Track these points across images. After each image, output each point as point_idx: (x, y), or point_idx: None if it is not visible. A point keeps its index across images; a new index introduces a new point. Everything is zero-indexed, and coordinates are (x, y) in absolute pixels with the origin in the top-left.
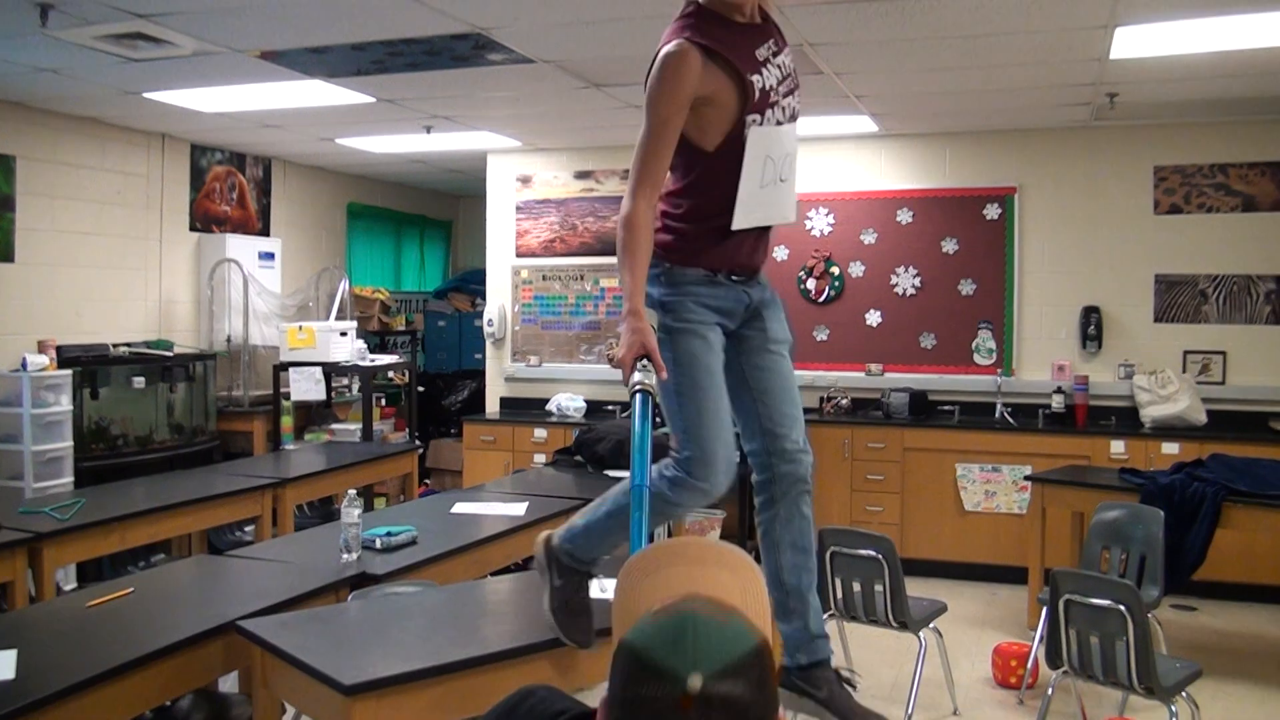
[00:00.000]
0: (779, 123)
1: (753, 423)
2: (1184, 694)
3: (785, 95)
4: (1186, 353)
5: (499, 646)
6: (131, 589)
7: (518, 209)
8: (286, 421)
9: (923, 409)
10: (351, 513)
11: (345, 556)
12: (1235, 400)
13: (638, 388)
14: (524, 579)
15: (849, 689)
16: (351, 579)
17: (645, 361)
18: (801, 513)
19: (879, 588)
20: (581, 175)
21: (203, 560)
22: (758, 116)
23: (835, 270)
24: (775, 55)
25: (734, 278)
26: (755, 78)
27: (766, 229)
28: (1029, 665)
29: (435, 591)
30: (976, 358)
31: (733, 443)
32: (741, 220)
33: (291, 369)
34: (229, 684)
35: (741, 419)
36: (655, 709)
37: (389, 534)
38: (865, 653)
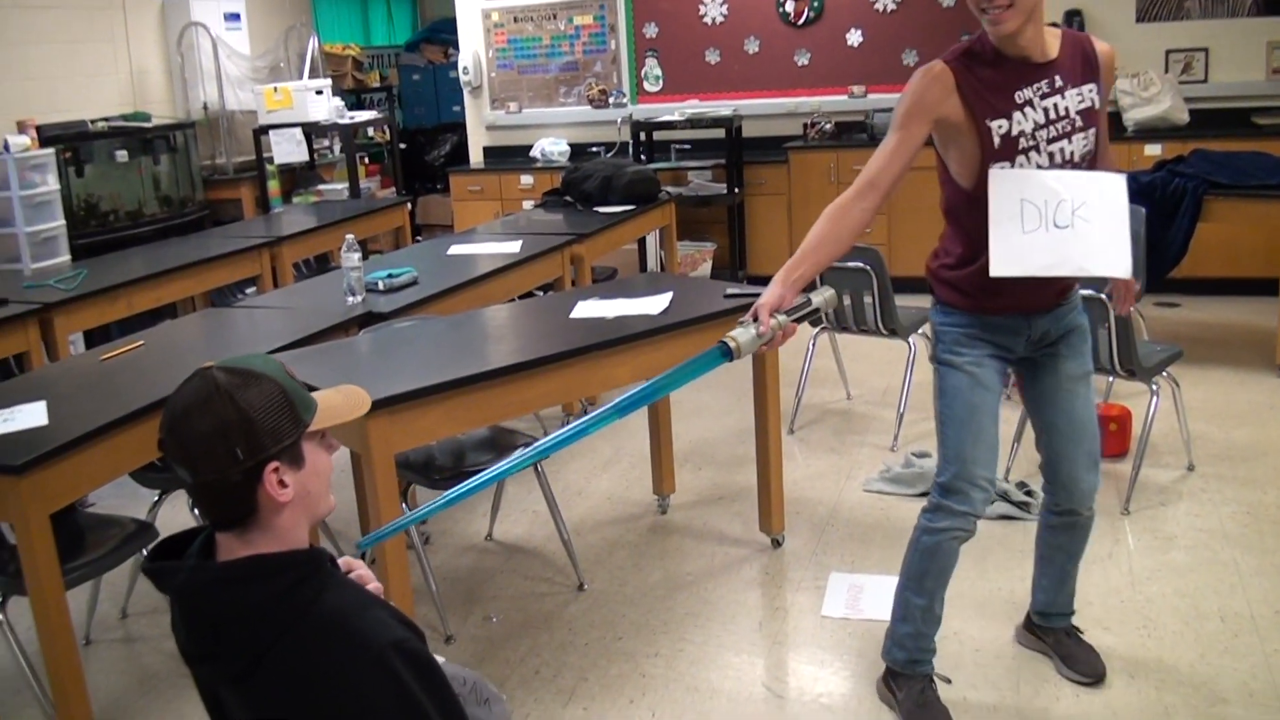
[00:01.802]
0: (1041, 167)
1: (1044, 448)
2: (1165, 373)
3: (1055, 140)
4: (1169, 52)
5: (502, 363)
6: (142, 342)
7: None
8: (273, 185)
9: None
10: (352, 257)
11: (350, 299)
12: (1218, 97)
13: (724, 339)
14: (524, 305)
15: (1075, 640)
16: (359, 318)
17: (752, 319)
18: (1075, 528)
19: (868, 298)
20: None
21: (210, 313)
22: (1005, 163)
23: None
24: (1047, 96)
25: (1007, 315)
26: (998, 122)
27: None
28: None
29: (441, 322)
30: None
31: (993, 463)
32: (1000, 268)
33: (272, 132)
34: None
35: (1036, 435)
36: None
37: (390, 275)
38: (858, 364)
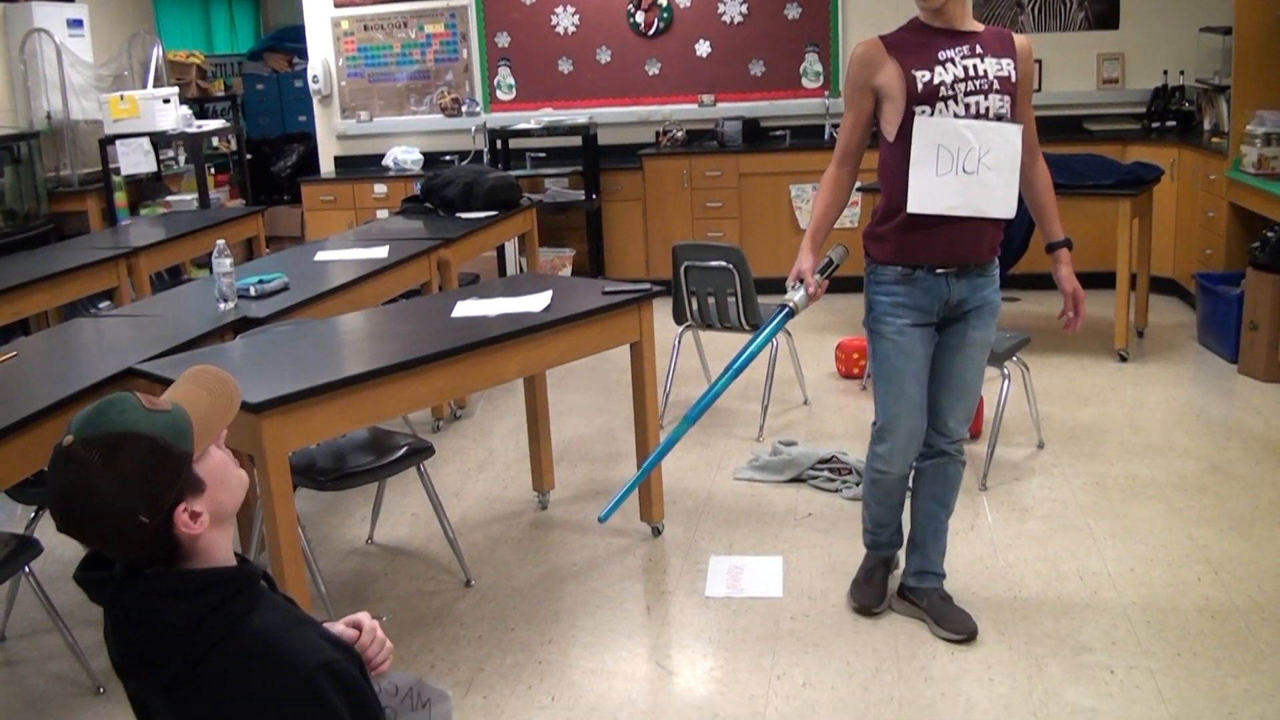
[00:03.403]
0: (958, 116)
1: (930, 398)
2: (1015, 358)
3: (972, 94)
4: None
5: (393, 359)
6: (15, 352)
7: None
8: (120, 197)
9: (755, 135)
10: (223, 263)
11: (222, 305)
12: (1052, 105)
13: (782, 303)
14: (402, 306)
15: (946, 602)
16: (233, 324)
17: (799, 283)
18: (946, 474)
19: (731, 296)
20: None
21: (79, 323)
22: (926, 108)
23: (663, 1)
24: (968, 58)
25: (938, 271)
26: (922, 72)
27: (970, 222)
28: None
29: (319, 324)
30: (805, 81)
31: (919, 418)
32: (916, 205)
33: (119, 142)
34: None
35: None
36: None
37: (261, 281)
38: (721, 362)
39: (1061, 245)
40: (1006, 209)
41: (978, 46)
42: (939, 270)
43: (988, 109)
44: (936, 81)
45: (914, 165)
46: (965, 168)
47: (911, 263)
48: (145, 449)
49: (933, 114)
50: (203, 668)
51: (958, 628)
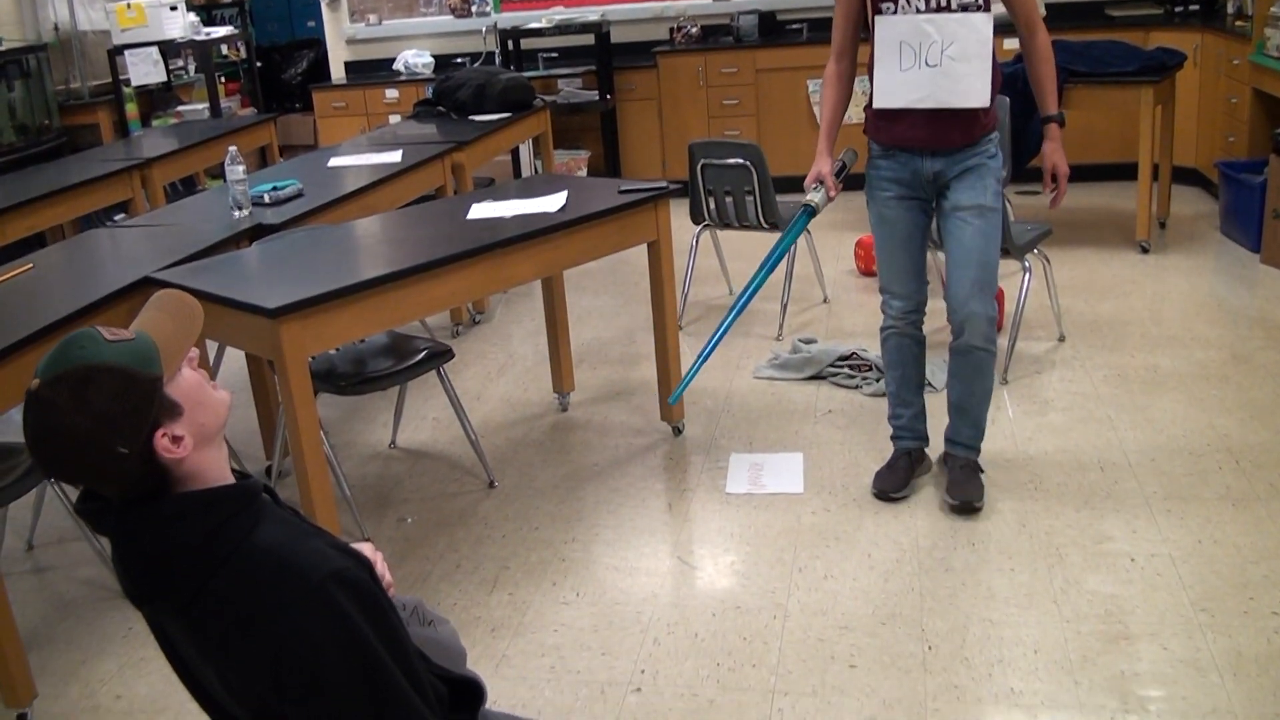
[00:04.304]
0: (920, 11)
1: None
2: (1036, 250)
3: None
4: None
5: (409, 263)
6: (30, 265)
7: None
8: (131, 108)
9: (772, 29)
10: (236, 170)
11: (237, 213)
12: None
13: (804, 203)
14: (418, 210)
15: (963, 471)
16: (249, 231)
17: (818, 184)
18: (965, 359)
19: (749, 194)
20: None
21: (95, 234)
22: (889, 5)
23: None
24: None
25: (910, 150)
26: None
27: (939, 111)
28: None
29: (336, 229)
30: None
31: (908, 281)
32: (881, 100)
33: (127, 52)
34: None
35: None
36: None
37: (275, 188)
38: (740, 261)
39: (1050, 120)
40: (977, 98)
41: None
42: (913, 149)
43: (949, 1)
44: None
45: (877, 62)
46: (928, 61)
47: (888, 143)
48: (113, 379)
49: (895, 10)
50: (213, 586)
51: (956, 494)
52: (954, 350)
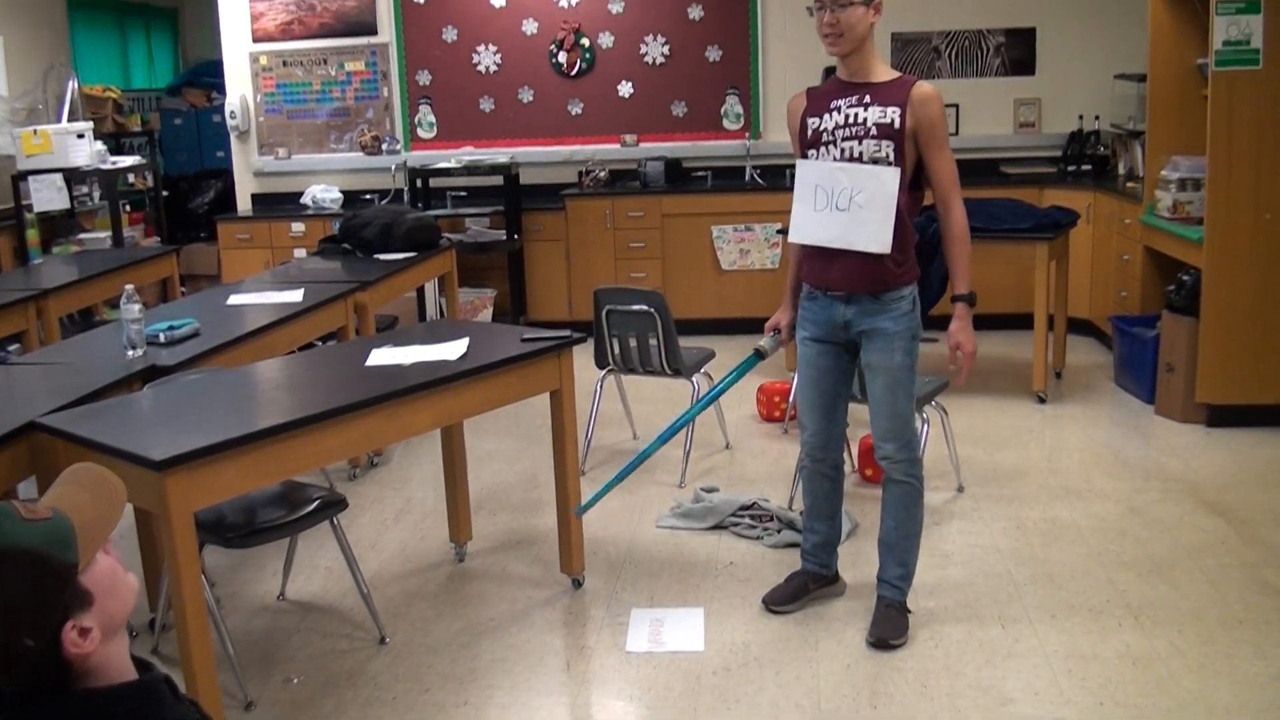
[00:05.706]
0: (836, 159)
1: None
2: (934, 403)
3: (848, 140)
4: None
5: (302, 413)
6: None
7: None
8: (32, 235)
9: (677, 176)
10: (132, 309)
11: (131, 353)
12: (970, 149)
13: (755, 347)
14: (315, 354)
15: (888, 610)
16: (142, 373)
17: (775, 332)
18: (890, 491)
19: (653, 340)
20: None
21: None
22: (814, 151)
23: (585, 42)
24: (854, 106)
25: (830, 294)
26: (814, 119)
27: (851, 254)
28: (790, 400)
29: (230, 374)
30: (725, 123)
31: (818, 419)
32: (795, 235)
33: (31, 178)
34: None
35: None
36: None
37: (171, 328)
38: (643, 405)
39: (959, 300)
40: (878, 244)
41: (868, 96)
42: (831, 293)
43: (861, 154)
44: (820, 128)
45: (796, 201)
46: (838, 205)
47: (811, 284)
48: (25, 565)
49: (817, 157)
50: None
51: (874, 631)
52: (885, 483)
